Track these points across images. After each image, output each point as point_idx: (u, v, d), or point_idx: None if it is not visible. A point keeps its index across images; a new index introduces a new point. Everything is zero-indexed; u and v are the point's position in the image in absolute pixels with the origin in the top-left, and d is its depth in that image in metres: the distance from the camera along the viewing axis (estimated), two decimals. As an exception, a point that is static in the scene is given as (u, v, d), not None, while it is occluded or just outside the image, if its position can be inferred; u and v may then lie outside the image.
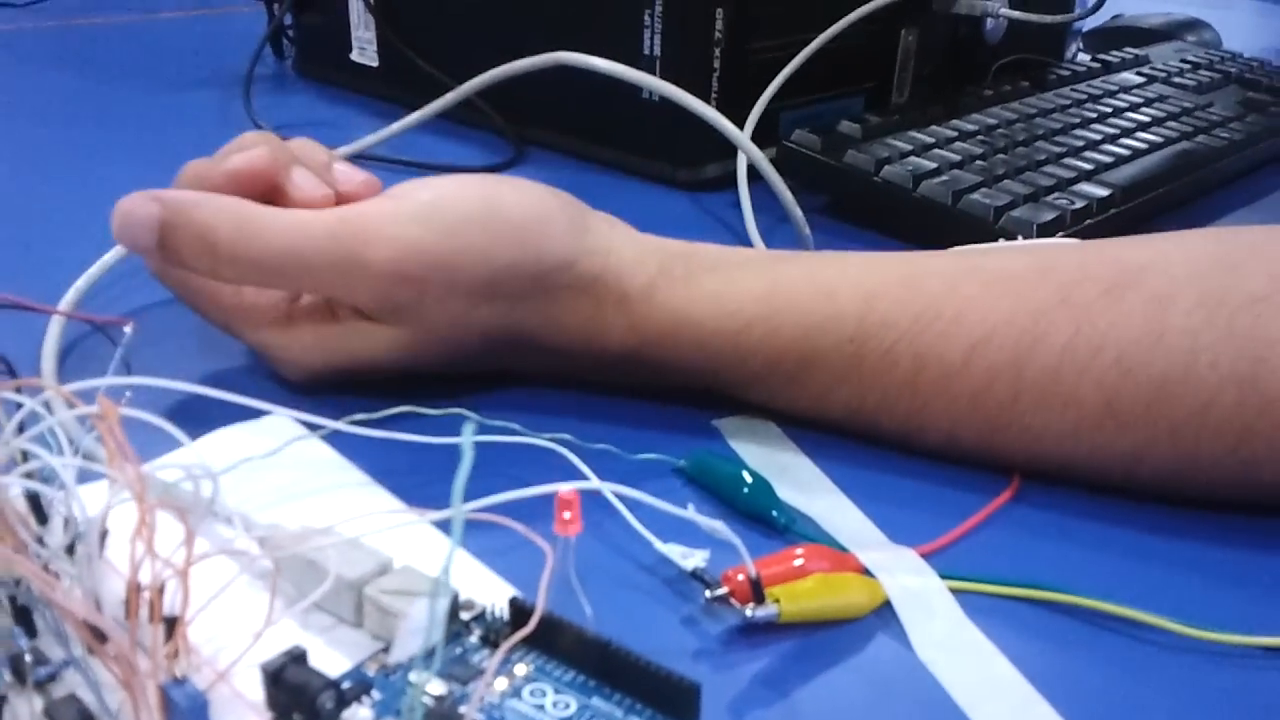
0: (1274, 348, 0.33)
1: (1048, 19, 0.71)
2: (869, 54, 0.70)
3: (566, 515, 0.26)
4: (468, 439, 0.20)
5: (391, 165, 0.64)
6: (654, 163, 0.64)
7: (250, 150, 0.38)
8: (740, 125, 0.62)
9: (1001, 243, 0.47)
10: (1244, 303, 0.33)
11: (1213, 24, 1.04)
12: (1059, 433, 0.35)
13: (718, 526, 0.28)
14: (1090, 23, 1.02)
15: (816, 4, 0.65)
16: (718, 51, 0.61)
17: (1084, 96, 0.71)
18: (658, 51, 0.62)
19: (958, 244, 0.54)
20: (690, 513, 0.28)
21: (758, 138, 0.62)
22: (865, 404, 0.37)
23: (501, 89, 0.69)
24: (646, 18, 0.62)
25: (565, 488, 0.26)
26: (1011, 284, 0.36)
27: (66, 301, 0.42)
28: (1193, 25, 1.01)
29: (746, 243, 0.56)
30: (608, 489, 0.30)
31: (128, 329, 0.36)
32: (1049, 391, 0.34)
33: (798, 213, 0.50)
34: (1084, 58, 0.92)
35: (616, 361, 0.38)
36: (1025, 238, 0.52)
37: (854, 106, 0.70)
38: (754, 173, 0.61)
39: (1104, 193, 0.56)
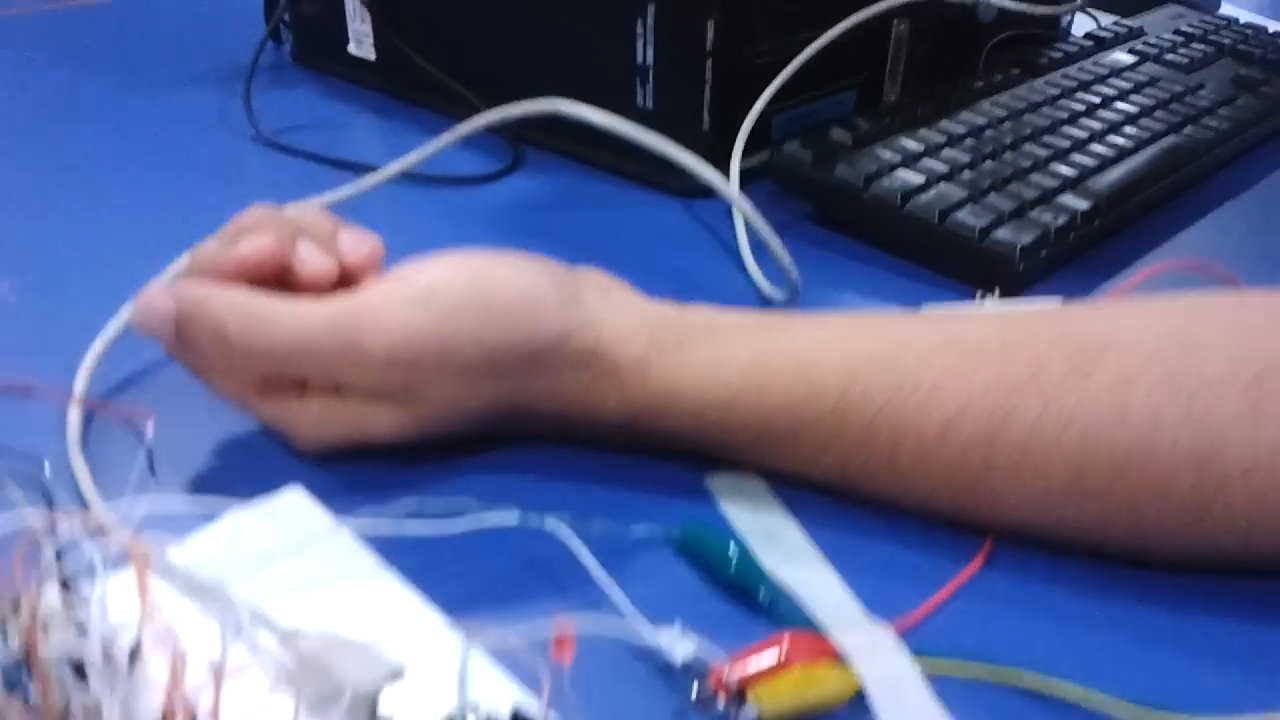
0: (1232, 428, 0.35)
1: (1039, 10, 0.71)
2: (861, 46, 0.70)
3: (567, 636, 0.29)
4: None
5: (399, 181, 0.65)
6: (648, 169, 0.66)
7: (256, 239, 0.39)
8: (733, 134, 0.63)
9: (979, 305, 0.49)
10: (1203, 384, 0.35)
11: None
12: (1029, 503, 0.37)
13: (700, 652, 0.30)
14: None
15: (809, 9, 0.65)
16: (710, 61, 0.62)
17: (1074, 84, 0.71)
18: (650, 60, 0.63)
19: (944, 260, 0.56)
20: (677, 633, 0.31)
21: (751, 142, 0.63)
22: (848, 470, 0.39)
23: (500, 94, 0.70)
24: (639, 27, 0.63)
25: (565, 629, 0.28)
26: (985, 357, 0.37)
27: (83, 376, 0.43)
28: (1191, -19, 1.01)
29: (736, 256, 0.57)
30: (608, 585, 0.32)
31: (149, 427, 0.38)
32: (1019, 464, 0.36)
33: (785, 257, 0.51)
34: (1081, 23, 0.92)
35: (612, 429, 0.40)
36: (1009, 259, 0.53)
37: (846, 102, 0.71)
38: (747, 175, 0.63)
39: (1086, 206, 0.57)
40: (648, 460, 0.42)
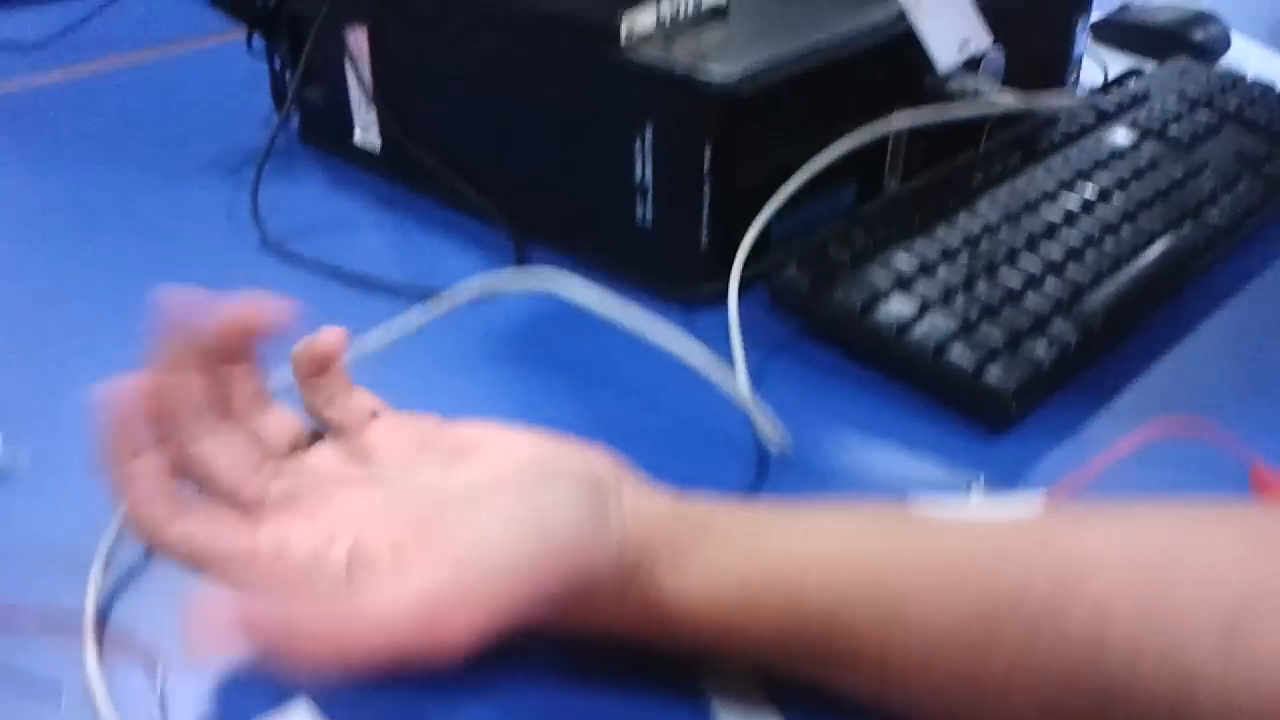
0: (1206, 668, 0.36)
1: (1040, 106, 0.71)
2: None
3: None
4: None
5: (400, 298, 0.66)
6: (651, 278, 0.66)
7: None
8: (733, 250, 0.63)
9: (966, 500, 0.50)
10: (1180, 618, 0.36)
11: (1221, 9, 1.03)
12: None
13: None
14: (1102, 5, 1.01)
15: (806, 129, 0.66)
16: (707, 183, 0.63)
17: (1072, 173, 0.71)
18: (649, 179, 0.64)
19: (940, 393, 0.57)
20: None
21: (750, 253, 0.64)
22: (837, 685, 0.40)
23: (506, 196, 0.71)
24: (637, 147, 0.63)
25: None
26: (967, 584, 0.38)
27: (92, 594, 0.45)
28: (1201, 21, 1.00)
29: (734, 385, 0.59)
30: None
31: (159, 670, 0.39)
32: (1002, 693, 0.38)
33: (774, 430, 0.52)
34: (1087, 67, 0.92)
35: (616, 633, 0.42)
36: (1002, 401, 0.54)
37: (847, 195, 0.72)
38: (747, 280, 0.63)
39: (1078, 337, 0.58)
40: (645, 658, 0.43)
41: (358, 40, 0.76)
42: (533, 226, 0.71)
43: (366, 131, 0.79)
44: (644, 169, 0.64)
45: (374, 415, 0.46)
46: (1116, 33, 1.02)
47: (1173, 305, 0.65)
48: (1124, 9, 1.04)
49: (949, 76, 0.71)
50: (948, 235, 0.64)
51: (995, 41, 0.74)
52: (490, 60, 0.69)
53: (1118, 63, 0.98)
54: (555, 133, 0.67)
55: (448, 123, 0.73)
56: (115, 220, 0.75)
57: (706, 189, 0.63)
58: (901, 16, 0.69)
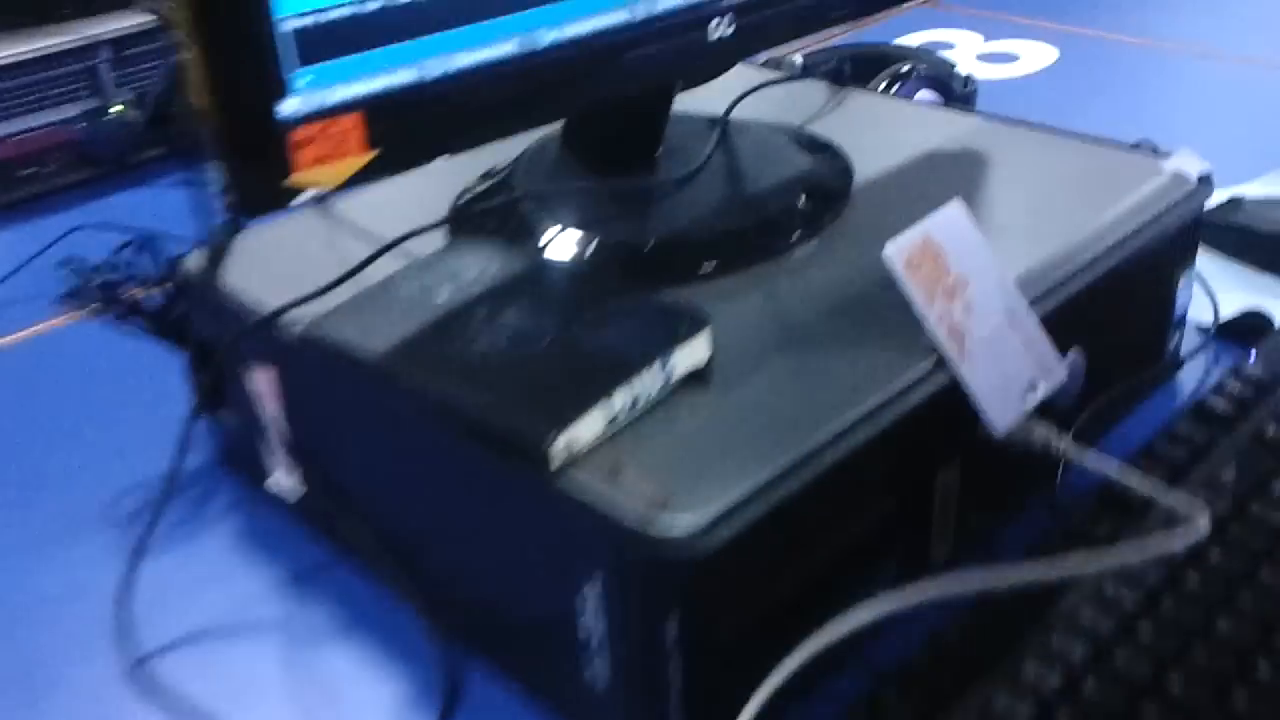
0: None
1: (1126, 481, 0.54)
2: (898, 502, 0.54)
3: None
4: None
5: None
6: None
7: None
8: None
9: None
10: None
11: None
12: None
13: None
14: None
15: (815, 553, 0.49)
16: (676, 654, 0.46)
17: (1176, 554, 0.53)
18: (601, 640, 0.47)
19: None
20: None
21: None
22: None
23: (442, 594, 0.56)
24: (583, 601, 0.47)
25: None
26: None
27: None
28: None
29: None
30: None
31: None
32: None
33: None
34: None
35: None
36: None
37: (885, 570, 0.54)
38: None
39: None
40: None
41: (266, 382, 0.61)
42: (475, 639, 0.55)
43: (283, 479, 0.64)
44: (593, 626, 0.47)
45: None
46: (1225, 236, 0.83)
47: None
48: (1233, 204, 0.85)
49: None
50: (1013, 705, 0.47)
51: (1071, 347, 0.57)
52: (412, 459, 0.54)
53: (1225, 277, 0.80)
54: (490, 556, 0.52)
55: (374, 498, 0.58)
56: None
57: (675, 664, 0.46)
58: (940, 363, 0.52)
